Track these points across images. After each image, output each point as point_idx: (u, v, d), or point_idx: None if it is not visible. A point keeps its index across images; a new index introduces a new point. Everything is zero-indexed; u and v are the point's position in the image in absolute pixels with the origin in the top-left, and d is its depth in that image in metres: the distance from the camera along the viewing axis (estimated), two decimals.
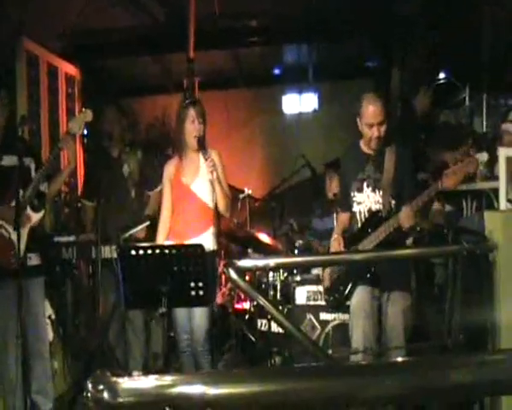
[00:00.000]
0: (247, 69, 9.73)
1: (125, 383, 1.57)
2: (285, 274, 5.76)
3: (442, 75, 9.41)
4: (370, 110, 4.60)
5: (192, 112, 5.08)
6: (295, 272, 5.62)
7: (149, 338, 5.90)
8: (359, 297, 4.56)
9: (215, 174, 4.95)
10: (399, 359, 3.85)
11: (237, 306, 6.41)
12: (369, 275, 4.53)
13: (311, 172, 7.19)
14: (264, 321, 5.67)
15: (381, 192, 4.65)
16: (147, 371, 5.59)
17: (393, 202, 4.63)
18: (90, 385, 1.56)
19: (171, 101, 9.42)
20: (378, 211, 4.64)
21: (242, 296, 6.39)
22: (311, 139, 9.29)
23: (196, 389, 1.58)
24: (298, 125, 9.72)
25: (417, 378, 1.67)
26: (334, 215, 5.96)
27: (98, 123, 5.89)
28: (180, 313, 5.04)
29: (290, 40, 9.00)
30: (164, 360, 4.94)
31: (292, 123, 9.83)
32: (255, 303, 5.83)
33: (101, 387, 1.54)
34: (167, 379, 1.62)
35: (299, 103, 9.78)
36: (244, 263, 3.72)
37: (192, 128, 5.06)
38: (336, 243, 4.80)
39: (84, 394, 1.55)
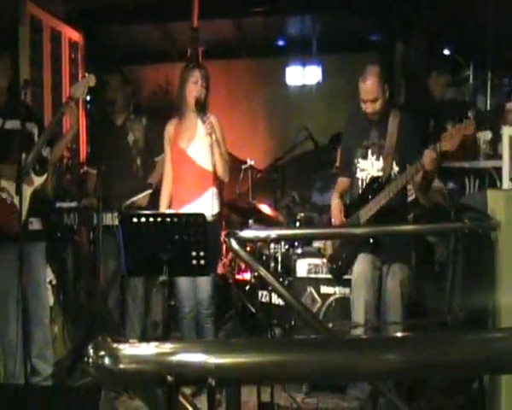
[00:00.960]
0: (250, 39, 9.67)
1: (126, 349, 1.57)
2: (286, 246, 5.76)
3: (446, 52, 9.37)
4: (363, 87, 4.68)
5: (196, 73, 5.10)
6: (296, 244, 5.62)
7: (149, 306, 5.92)
8: (361, 267, 4.59)
9: (213, 136, 4.95)
10: (399, 334, 3.87)
11: (238, 276, 6.43)
12: (370, 244, 4.55)
13: (313, 144, 7.16)
14: (265, 292, 5.68)
15: (382, 159, 4.66)
16: (144, 338, 5.62)
17: (396, 168, 4.64)
18: (91, 351, 1.56)
19: (174, 69, 9.38)
20: (379, 177, 4.65)
21: (243, 267, 6.40)
22: (315, 112, 9.25)
23: (197, 357, 1.58)
24: (301, 98, 9.68)
25: (417, 354, 1.67)
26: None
27: (102, 90, 5.88)
28: (183, 278, 5.06)
29: (294, 11, 8.93)
30: (163, 329, 4.96)
31: (295, 95, 9.78)
32: (256, 274, 5.84)
33: (102, 353, 1.54)
34: (169, 347, 1.62)
35: (302, 75, 9.71)
36: (245, 234, 3.71)
37: (193, 88, 5.06)
38: (337, 209, 4.82)
39: (85, 359, 1.55)
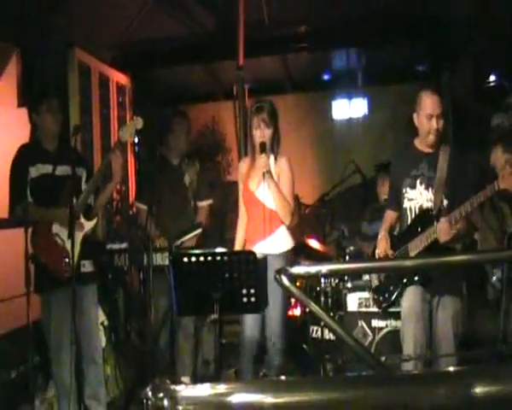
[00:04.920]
0: (296, 75, 9.73)
1: (184, 391, 1.57)
2: (336, 281, 5.73)
3: (492, 78, 9.30)
4: (430, 101, 4.60)
5: (255, 119, 5.09)
6: (346, 278, 5.59)
7: (200, 345, 5.92)
8: (410, 300, 4.53)
9: (269, 176, 4.93)
10: (452, 368, 3.80)
11: (288, 312, 6.39)
12: (419, 276, 4.49)
13: (361, 177, 7.15)
14: (317, 328, 5.65)
15: (433, 190, 4.60)
16: (196, 377, 5.62)
17: (446, 201, 4.58)
18: (149, 393, 1.56)
19: (220, 108, 9.51)
20: (429, 209, 4.59)
21: (293, 303, 6.37)
22: (361, 145, 9.25)
23: (254, 397, 1.58)
24: (347, 131, 9.68)
25: (470, 388, 1.64)
26: None
27: (154, 130, 5.98)
28: (248, 318, 5.04)
29: (339, 45, 8.96)
30: (216, 367, 4.95)
31: (341, 129, 9.78)
32: (306, 310, 5.81)
33: (160, 395, 1.55)
34: (225, 387, 1.62)
35: (348, 109, 9.73)
36: (296, 270, 3.69)
37: (257, 134, 5.07)
38: (383, 242, 4.78)
39: (143, 400, 1.56)
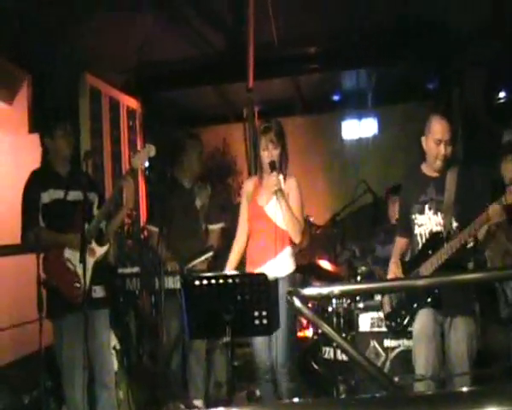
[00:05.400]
0: (305, 96, 9.76)
1: None
2: (348, 301, 5.71)
3: (502, 94, 9.29)
4: (439, 126, 4.58)
5: (263, 139, 5.11)
6: (358, 298, 5.57)
7: (212, 367, 5.92)
8: (422, 322, 4.50)
9: (281, 194, 4.95)
10: (465, 388, 3.77)
11: (299, 333, 6.38)
12: (430, 299, 4.47)
13: (372, 197, 7.14)
14: (329, 349, 5.63)
15: (442, 214, 4.59)
16: (208, 400, 5.62)
17: (455, 224, 4.56)
18: None
19: (230, 130, 9.53)
20: (439, 232, 4.58)
21: (304, 324, 6.36)
22: (372, 164, 9.24)
23: None
24: (358, 151, 9.67)
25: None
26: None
27: (164, 153, 6.01)
28: (258, 340, 5.06)
29: (348, 66, 8.98)
30: (228, 390, 4.94)
31: (352, 148, 9.78)
32: (318, 331, 5.80)
33: None
34: None
35: (358, 128, 9.73)
36: (308, 291, 3.68)
37: (265, 155, 5.10)
38: (394, 267, 4.77)
39: None
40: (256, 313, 4.28)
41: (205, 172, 6.66)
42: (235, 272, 4.98)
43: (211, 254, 5.62)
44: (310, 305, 5.56)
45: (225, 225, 6.21)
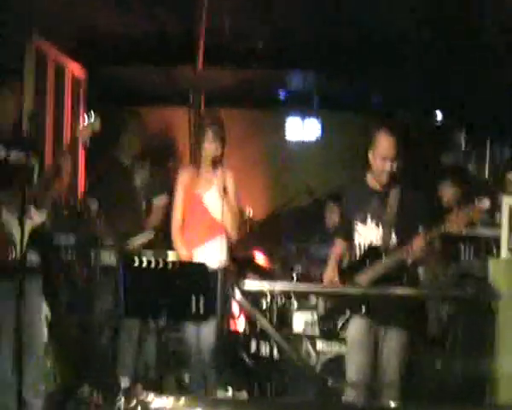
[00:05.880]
0: (252, 90, 9.73)
1: (156, 401, 1.58)
2: (283, 299, 5.73)
3: (439, 116, 9.52)
4: (385, 143, 4.65)
5: (210, 133, 5.15)
6: (293, 298, 5.61)
7: (142, 348, 5.87)
8: (356, 329, 4.60)
9: (225, 191, 5.00)
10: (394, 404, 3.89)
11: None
12: (365, 307, 4.54)
13: (311, 198, 7.21)
14: (260, 344, 5.64)
15: (383, 228, 4.67)
16: (135, 380, 5.58)
17: (395, 239, 4.65)
18: (122, 399, 1.56)
19: (175, 113, 9.45)
20: (378, 246, 4.67)
21: (235, 316, 6.35)
22: (312, 166, 9.28)
23: None
24: (299, 152, 9.67)
25: None
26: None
27: (106, 128, 5.92)
28: (189, 327, 5.08)
29: (296, 65, 9.01)
30: (156, 373, 4.95)
31: (294, 149, 9.77)
32: (250, 325, 5.82)
33: (134, 403, 1.55)
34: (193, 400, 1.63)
35: (301, 129, 9.70)
36: (250, 285, 3.75)
37: (209, 148, 5.14)
38: (330, 271, 4.83)
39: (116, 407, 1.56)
40: (193, 301, 4.31)
41: (145, 151, 6.58)
42: (175, 260, 5.00)
43: (152, 234, 5.59)
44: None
45: (168, 200, 6.15)
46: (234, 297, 3.50)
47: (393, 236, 4.67)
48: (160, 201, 6.06)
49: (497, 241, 5.32)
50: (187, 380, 5.61)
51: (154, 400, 1.49)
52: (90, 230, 5.87)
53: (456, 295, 4.20)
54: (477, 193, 6.35)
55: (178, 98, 9.11)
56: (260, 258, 6.43)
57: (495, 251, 5.40)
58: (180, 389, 5.26)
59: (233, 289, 3.48)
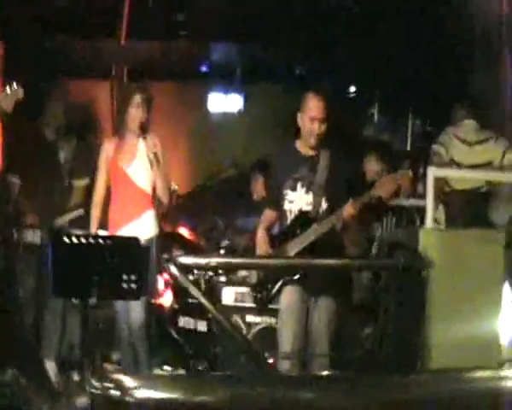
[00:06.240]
0: (174, 62, 9.63)
1: (130, 381, 1.55)
2: (210, 273, 5.71)
3: (353, 88, 9.66)
4: (315, 104, 4.65)
5: (138, 97, 5.07)
6: (221, 272, 5.59)
7: (66, 327, 5.76)
8: (289, 299, 4.59)
9: (155, 157, 4.96)
10: (326, 372, 3.94)
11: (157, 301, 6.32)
12: (297, 276, 4.56)
13: (236, 171, 7.21)
14: (188, 319, 5.63)
15: (313, 194, 4.69)
16: (60, 360, 5.49)
17: (325, 205, 4.68)
18: (92, 380, 1.53)
19: (97, 86, 9.26)
20: (308, 212, 4.68)
21: (160, 291, 6.30)
22: (236, 139, 9.27)
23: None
24: (223, 124, 9.65)
25: (343, 394, 1.72)
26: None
27: (28, 101, 5.75)
28: (120, 303, 5.00)
29: (219, 37, 8.99)
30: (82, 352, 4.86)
31: (217, 121, 9.74)
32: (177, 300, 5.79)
33: (108, 384, 1.52)
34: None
35: (224, 102, 9.68)
36: (185, 260, 3.73)
37: (136, 113, 5.05)
38: (262, 241, 4.80)
39: (88, 388, 1.53)
40: (125, 277, 4.23)
41: (70, 125, 6.43)
42: (106, 234, 4.91)
43: (81, 211, 5.48)
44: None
45: (90, 181, 6.04)
46: (168, 271, 3.45)
47: (323, 202, 4.68)
48: (81, 182, 5.93)
49: (419, 211, 5.45)
50: (115, 358, 5.55)
51: (129, 379, 1.47)
52: (10, 208, 5.68)
53: (386, 264, 4.25)
54: (399, 165, 6.53)
55: (102, 71, 8.96)
56: (185, 232, 6.39)
57: (418, 221, 5.54)
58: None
59: (167, 264, 3.43)
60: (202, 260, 3.84)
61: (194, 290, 3.75)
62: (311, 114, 4.65)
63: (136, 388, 1.53)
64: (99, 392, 1.52)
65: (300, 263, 4.09)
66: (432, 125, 8.84)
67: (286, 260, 4.41)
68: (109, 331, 5.31)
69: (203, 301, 3.57)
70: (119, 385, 1.52)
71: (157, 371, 4.93)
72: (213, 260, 3.80)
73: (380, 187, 4.42)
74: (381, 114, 9.49)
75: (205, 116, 9.70)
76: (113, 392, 1.51)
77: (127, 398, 1.51)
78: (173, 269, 3.61)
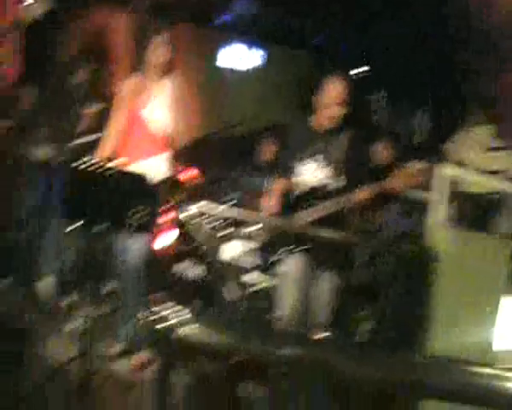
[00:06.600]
0: (195, 5, 9.48)
1: None
2: (211, 224, 5.69)
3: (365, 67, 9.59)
4: (336, 89, 4.68)
5: (164, 36, 5.01)
6: (225, 224, 5.56)
7: (65, 251, 5.76)
8: (292, 267, 4.62)
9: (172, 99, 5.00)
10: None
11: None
12: (304, 245, 4.58)
13: (243, 130, 7.18)
14: (188, 264, 5.61)
15: (327, 170, 4.69)
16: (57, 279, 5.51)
17: (338, 183, 4.69)
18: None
19: (116, 17, 9.12)
20: (320, 187, 4.69)
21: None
22: (249, 98, 9.13)
23: None
24: (237, 81, 9.47)
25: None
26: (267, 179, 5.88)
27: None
28: (121, 241, 4.99)
29: None
30: (79, 275, 4.88)
31: (232, 76, 9.55)
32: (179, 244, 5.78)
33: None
34: None
35: (242, 59, 9.51)
36: (204, 207, 3.72)
37: (160, 52, 4.99)
38: (273, 206, 4.81)
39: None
40: (133, 211, 4.22)
41: (84, 49, 6.34)
42: (120, 166, 4.87)
43: (94, 138, 5.43)
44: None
45: (102, 108, 5.96)
46: (177, 214, 3.46)
47: (337, 180, 4.69)
48: (93, 108, 5.87)
49: (422, 204, 5.47)
50: (105, 290, 5.55)
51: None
52: (23, 117, 5.63)
53: (394, 251, 4.28)
54: (408, 157, 6.53)
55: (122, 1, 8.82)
56: (191, 177, 6.32)
57: (421, 214, 5.56)
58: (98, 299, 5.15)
59: (180, 209, 3.43)
60: (213, 209, 3.83)
61: (200, 236, 3.73)
62: (331, 97, 4.68)
63: None
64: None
65: (311, 233, 4.07)
66: (440, 120, 8.82)
67: (297, 227, 4.40)
68: (106, 262, 5.31)
69: (206, 248, 3.58)
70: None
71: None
72: (227, 211, 3.79)
73: (398, 178, 4.44)
74: (390, 102, 9.45)
75: (220, 69, 9.55)
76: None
77: None
78: (183, 214, 3.61)
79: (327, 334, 4.25)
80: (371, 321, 4.68)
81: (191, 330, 1.58)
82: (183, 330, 1.57)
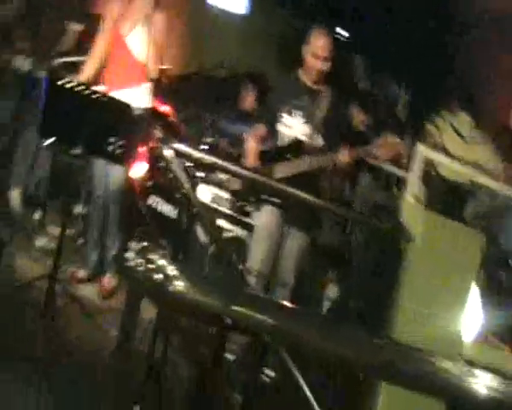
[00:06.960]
0: None
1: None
2: (189, 165, 5.58)
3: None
4: (321, 42, 4.64)
5: None
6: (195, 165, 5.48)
7: (36, 164, 5.63)
8: (266, 219, 4.61)
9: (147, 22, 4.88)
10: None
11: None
12: (279, 200, 4.55)
13: (225, 73, 7.08)
14: (160, 200, 5.53)
15: (310, 126, 4.64)
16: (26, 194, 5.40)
17: (320, 141, 4.65)
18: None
19: None
20: (302, 141, 4.64)
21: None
22: (234, 42, 8.92)
23: None
24: (224, 23, 9.20)
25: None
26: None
27: None
28: (98, 166, 4.89)
29: None
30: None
31: (218, 18, 9.29)
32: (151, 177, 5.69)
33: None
34: None
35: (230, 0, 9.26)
36: (179, 147, 3.64)
37: None
38: (252, 152, 4.76)
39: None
40: (112, 140, 4.13)
41: None
42: (104, 91, 4.74)
43: (77, 59, 5.29)
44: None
45: (85, 28, 5.78)
46: (161, 154, 3.38)
47: (320, 137, 4.64)
48: (77, 26, 5.70)
49: (395, 178, 5.48)
50: (75, 211, 5.47)
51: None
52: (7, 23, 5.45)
53: (368, 222, 4.26)
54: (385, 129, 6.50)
55: None
56: (167, 112, 6.20)
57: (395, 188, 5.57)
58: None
59: (163, 146, 3.34)
60: (196, 153, 3.76)
61: (182, 176, 3.65)
62: (317, 50, 4.62)
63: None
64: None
65: (287, 190, 3.99)
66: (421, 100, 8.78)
67: (273, 182, 4.33)
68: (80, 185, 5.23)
69: (187, 189, 3.51)
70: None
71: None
72: (207, 157, 3.72)
73: (382, 147, 4.40)
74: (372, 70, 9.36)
75: (207, 8, 9.29)
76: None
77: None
78: (167, 152, 3.52)
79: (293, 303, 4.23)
80: (338, 287, 4.68)
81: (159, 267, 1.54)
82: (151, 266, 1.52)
